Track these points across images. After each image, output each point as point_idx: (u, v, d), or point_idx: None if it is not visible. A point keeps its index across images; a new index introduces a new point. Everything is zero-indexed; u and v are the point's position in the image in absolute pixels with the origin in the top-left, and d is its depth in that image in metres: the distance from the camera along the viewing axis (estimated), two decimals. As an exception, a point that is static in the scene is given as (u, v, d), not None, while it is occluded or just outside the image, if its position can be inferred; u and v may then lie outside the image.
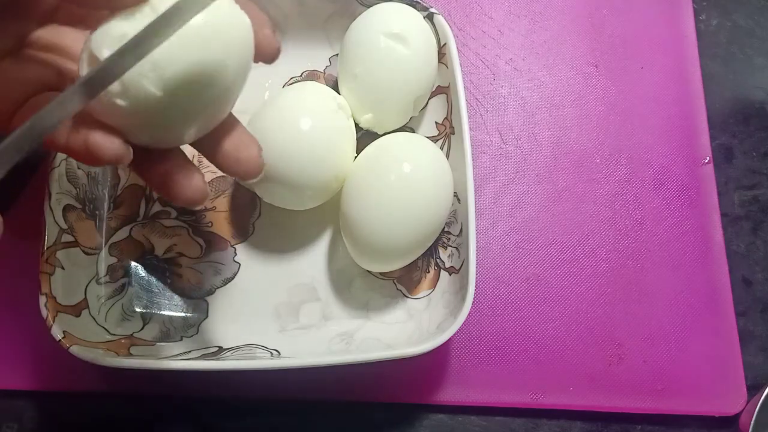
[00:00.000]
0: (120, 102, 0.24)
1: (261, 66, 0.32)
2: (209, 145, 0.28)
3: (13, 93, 0.27)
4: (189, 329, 0.38)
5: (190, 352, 0.36)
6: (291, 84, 0.42)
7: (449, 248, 0.38)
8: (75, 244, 0.36)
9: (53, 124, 0.22)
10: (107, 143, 0.25)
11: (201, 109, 0.26)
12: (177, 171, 0.27)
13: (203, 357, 0.36)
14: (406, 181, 0.35)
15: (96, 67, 0.22)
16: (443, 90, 0.40)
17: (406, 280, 0.39)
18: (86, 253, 0.37)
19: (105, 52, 0.23)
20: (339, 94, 0.41)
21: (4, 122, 0.27)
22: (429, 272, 0.39)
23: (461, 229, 0.37)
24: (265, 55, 0.28)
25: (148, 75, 0.23)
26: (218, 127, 0.28)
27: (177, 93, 0.24)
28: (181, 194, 0.27)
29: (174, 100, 0.24)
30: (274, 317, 0.38)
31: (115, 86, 0.23)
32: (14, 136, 0.21)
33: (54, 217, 0.35)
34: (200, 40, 0.24)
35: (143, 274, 0.38)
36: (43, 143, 0.26)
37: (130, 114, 0.24)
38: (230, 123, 0.29)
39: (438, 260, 0.39)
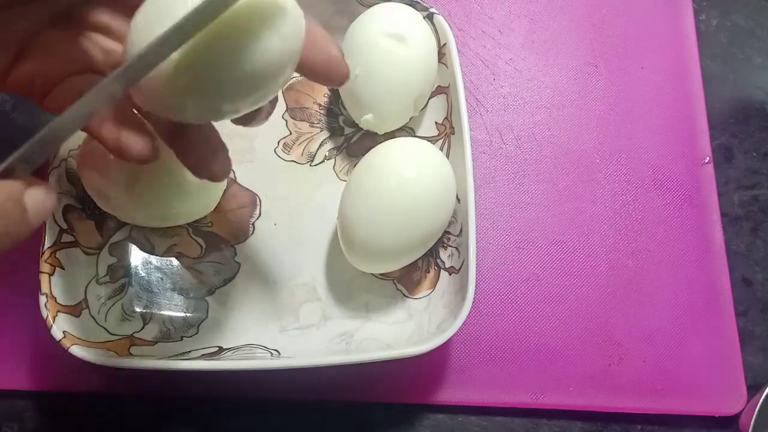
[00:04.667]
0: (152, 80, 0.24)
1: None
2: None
3: (54, 69, 0.27)
4: (189, 329, 0.38)
5: (190, 352, 0.36)
6: (290, 84, 0.42)
7: (449, 248, 0.38)
8: (75, 244, 0.36)
9: (92, 111, 0.23)
10: (136, 144, 0.26)
11: (238, 89, 0.25)
12: (205, 145, 0.28)
13: (203, 357, 0.36)
14: (406, 187, 0.35)
15: (137, 54, 0.22)
16: (443, 90, 0.40)
17: (406, 281, 0.39)
18: (86, 253, 0.37)
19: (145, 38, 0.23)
20: (339, 94, 0.41)
21: (39, 97, 0.28)
22: (429, 272, 0.39)
23: (461, 229, 0.37)
24: (334, 77, 0.28)
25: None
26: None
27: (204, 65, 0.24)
28: (206, 170, 0.28)
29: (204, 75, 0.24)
30: (274, 317, 0.38)
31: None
32: (56, 122, 0.22)
33: (54, 217, 0.35)
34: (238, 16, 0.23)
35: (143, 274, 0.38)
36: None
37: (163, 91, 0.24)
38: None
39: (438, 260, 0.39)
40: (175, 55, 0.23)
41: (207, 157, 0.29)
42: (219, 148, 0.29)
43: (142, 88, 0.24)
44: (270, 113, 0.30)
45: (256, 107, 0.27)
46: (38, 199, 0.23)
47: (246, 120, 0.28)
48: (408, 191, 0.35)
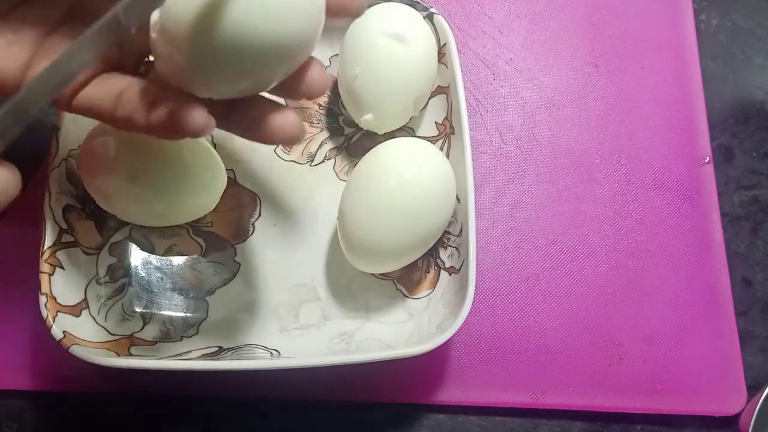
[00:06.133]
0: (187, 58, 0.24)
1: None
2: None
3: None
4: (189, 329, 0.38)
5: (190, 352, 0.36)
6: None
7: (449, 248, 0.38)
8: (75, 244, 0.36)
9: (79, 66, 0.22)
10: (193, 115, 0.24)
11: (280, 54, 0.25)
12: (270, 112, 0.26)
13: (203, 357, 0.36)
14: (406, 187, 0.35)
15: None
16: (443, 90, 0.40)
17: (406, 280, 0.39)
18: (86, 253, 0.37)
19: None
20: (339, 94, 0.41)
21: (65, 101, 0.27)
22: (429, 272, 0.39)
23: (461, 229, 0.37)
24: (349, 10, 0.27)
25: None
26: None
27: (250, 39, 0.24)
28: (280, 133, 0.26)
29: (248, 46, 0.24)
30: (274, 317, 0.38)
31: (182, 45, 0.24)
32: (29, 88, 0.21)
33: (54, 217, 0.35)
34: None
35: (143, 274, 0.38)
36: (123, 125, 0.26)
37: (207, 68, 0.24)
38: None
39: (438, 260, 0.39)
40: (192, 36, 0.23)
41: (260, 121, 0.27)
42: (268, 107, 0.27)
43: (167, 70, 0.25)
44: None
45: (276, 83, 0.27)
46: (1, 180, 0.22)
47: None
48: (408, 191, 0.35)
